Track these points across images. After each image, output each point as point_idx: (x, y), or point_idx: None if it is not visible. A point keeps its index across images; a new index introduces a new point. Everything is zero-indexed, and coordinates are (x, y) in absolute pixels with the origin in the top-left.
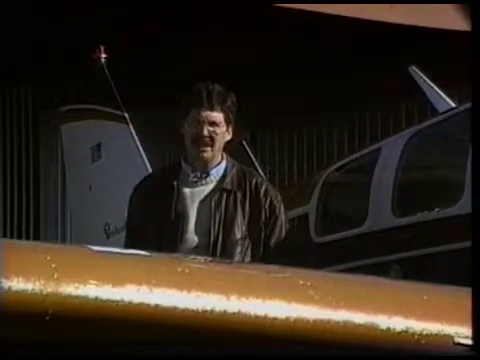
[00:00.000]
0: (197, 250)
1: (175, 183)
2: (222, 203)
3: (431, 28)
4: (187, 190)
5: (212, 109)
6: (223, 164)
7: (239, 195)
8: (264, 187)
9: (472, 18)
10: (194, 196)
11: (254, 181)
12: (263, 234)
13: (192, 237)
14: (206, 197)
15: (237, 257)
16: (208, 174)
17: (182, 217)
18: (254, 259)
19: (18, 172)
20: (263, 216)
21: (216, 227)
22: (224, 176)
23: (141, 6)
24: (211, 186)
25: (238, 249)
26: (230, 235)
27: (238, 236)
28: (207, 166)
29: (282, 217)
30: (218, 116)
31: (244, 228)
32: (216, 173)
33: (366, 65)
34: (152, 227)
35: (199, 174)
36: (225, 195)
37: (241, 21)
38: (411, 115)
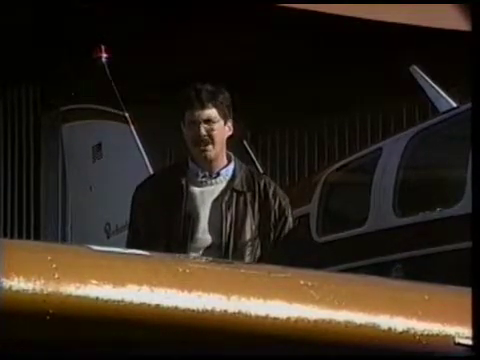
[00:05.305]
0: (209, 250)
1: (184, 182)
2: (233, 204)
3: (431, 28)
4: (196, 189)
5: (203, 107)
6: (232, 165)
7: (249, 196)
8: (272, 188)
9: (472, 18)
10: (204, 196)
11: (263, 182)
12: (273, 235)
13: (204, 237)
14: (218, 197)
15: (248, 258)
16: (218, 174)
17: (192, 216)
18: (263, 260)
19: (19, 172)
20: (273, 217)
21: (228, 227)
22: (233, 177)
23: (141, 6)
24: (221, 186)
25: (249, 250)
26: (241, 236)
27: (249, 237)
28: (213, 165)
29: (290, 219)
30: (211, 112)
31: (254, 229)
32: (225, 173)
33: (367, 65)
34: (160, 226)
35: (208, 174)
36: (235, 196)
37: (241, 21)
38: (412, 115)
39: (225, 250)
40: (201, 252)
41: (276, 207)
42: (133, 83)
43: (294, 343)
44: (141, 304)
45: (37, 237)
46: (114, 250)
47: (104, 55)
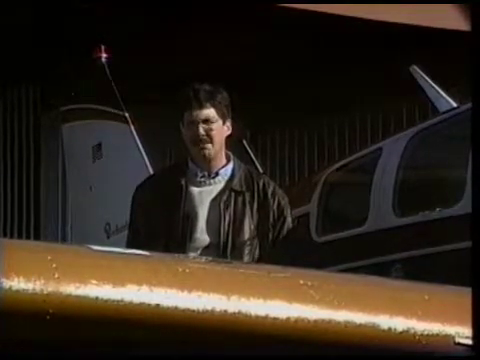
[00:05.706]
0: (207, 250)
1: (183, 182)
2: (231, 203)
3: (432, 28)
4: (195, 189)
5: (201, 107)
6: (231, 165)
7: (247, 196)
8: (271, 188)
9: (472, 18)
10: (203, 195)
11: (261, 182)
12: (271, 235)
13: (202, 236)
14: (216, 197)
15: (246, 258)
16: (217, 174)
17: (191, 216)
18: (262, 259)
19: (18, 172)
20: (271, 217)
21: (226, 227)
22: (232, 177)
23: (141, 6)
24: (220, 186)
25: (247, 249)
26: (239, 235)
27: (247, 236)
28: (211, 164)
29: (289, 218)
30: (210, 112)
31: (253, 228)
32: (224, 173)
33: (367, 65)
34: (159, 226)
35: (207, 174)
36: (234, 195)
37: (241, 21)
38: (412, 115)
39: (223, 250)
40: (199, 252)
41: (275, 207)
42: (133, 83)
43: (294, 343)
44: (141, 304)
45: (37, 237)
46: (114, 250)
47: (104, 55)
